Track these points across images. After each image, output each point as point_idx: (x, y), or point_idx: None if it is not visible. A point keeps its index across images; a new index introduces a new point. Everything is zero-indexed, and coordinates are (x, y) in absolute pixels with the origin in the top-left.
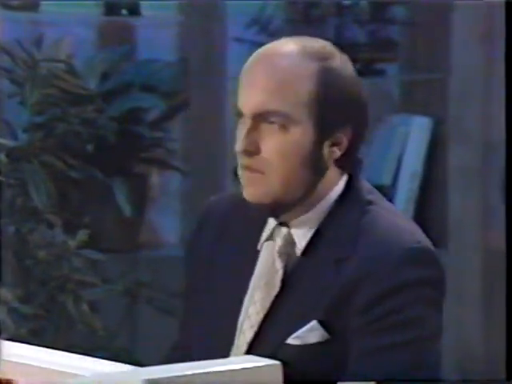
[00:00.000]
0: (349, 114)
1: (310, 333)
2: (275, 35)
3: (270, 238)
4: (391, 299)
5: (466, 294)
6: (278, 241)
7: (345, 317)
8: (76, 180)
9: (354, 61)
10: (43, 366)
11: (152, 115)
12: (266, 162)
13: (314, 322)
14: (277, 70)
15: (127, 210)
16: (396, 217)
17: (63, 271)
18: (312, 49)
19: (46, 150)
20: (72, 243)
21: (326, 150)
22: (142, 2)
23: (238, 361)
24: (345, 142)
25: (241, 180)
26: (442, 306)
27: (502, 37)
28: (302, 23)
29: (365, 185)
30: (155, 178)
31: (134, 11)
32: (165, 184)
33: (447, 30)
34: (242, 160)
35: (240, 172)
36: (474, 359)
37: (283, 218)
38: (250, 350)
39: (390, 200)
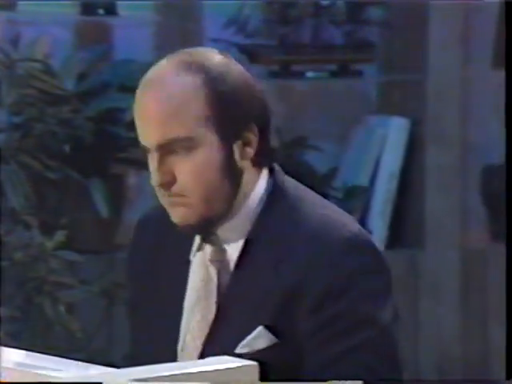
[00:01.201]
0: (247, 112)
1: (257, 339)
2: (252, 36)
3: (200, 247)
4: (339, 295)
5: (444, 294)
6: (208, 248)
7: (292, 319)
8: (53, 181)
9: (330, 61)
10: (26, 369)
11: (129, 115)
12: (183, 186)
13: (260, 328)
14: (164, 97)
15: (104, 210)
16: (326, 209)
17: (40, 273)
18: (190, 64)
19: (23, 151)
20: (49, 244)
21: (237, 153)
22: (118, 2)
23: (213, 361)
24: (254, 139)
25: (165, 204)
26: (391, 294)
27: (478, 38)
28: (279, 24)
29: (288, 180)
30: (132, 178)
31: (111, 11)
32: (142, 184)
33: (424, 31)
34: (160, 191)
35: (161, 200)
36: (452, 359)
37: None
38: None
39: (368, 201)
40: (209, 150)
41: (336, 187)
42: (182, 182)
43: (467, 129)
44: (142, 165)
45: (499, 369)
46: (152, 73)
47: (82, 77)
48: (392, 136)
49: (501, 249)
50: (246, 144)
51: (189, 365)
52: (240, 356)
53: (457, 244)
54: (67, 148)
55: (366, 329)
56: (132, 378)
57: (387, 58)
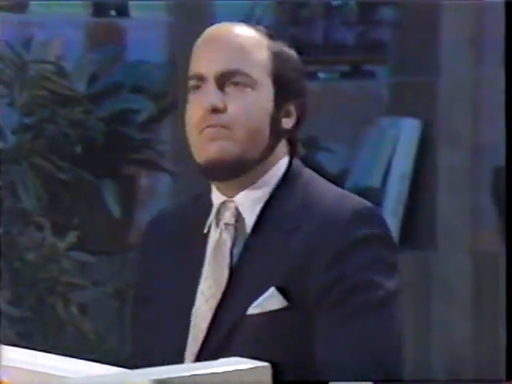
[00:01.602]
0: (297, 85)
1: (269, 300)
2: None
3: (217, 217)
4: (346, 258)
5: (455, 296)
6: (226, 214)
7: (302, 283)
8: (65, 182)
9: (342, 62)
10: (39, 369)
11: (141, 117)
12: (232, 118)
13: (272, 289)
14: (237, 38)
15: (116, 211)
16: (341, 190)
17: (52, 273)
18: (263, 30)
19: (35, 152)
20: (61, 245)
21: (281, 118)
22: (130, 3)
23: (225, 362)
24: (294, 114)
25: (199, 140)
26: (398, 270)
27: (490, 38)
28: (290, 25)
29: (303, 166)
30: (144, 179)
31: (123, 12)
32: (154, 185)
33: (436, 32)
34: (205, 122)
35: (199, 136)
36: (463, 361)
37: (229, 189)
38: (210, 325)
39: (379, 202)
40: (263, 95)
41: (348, 188)
42: (232, 113)
43: (479, 130)
44: (154, 166)
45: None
46: (225, 23)
47: (93, 78)
48: (404, 137)
49: None
50: (288, 115)
51: (199, 366)
52: (252, 317)
53: (468, 246)
54: (79, 149)
55: (372, 291)
56: (149, 378)
57: (399, 58)
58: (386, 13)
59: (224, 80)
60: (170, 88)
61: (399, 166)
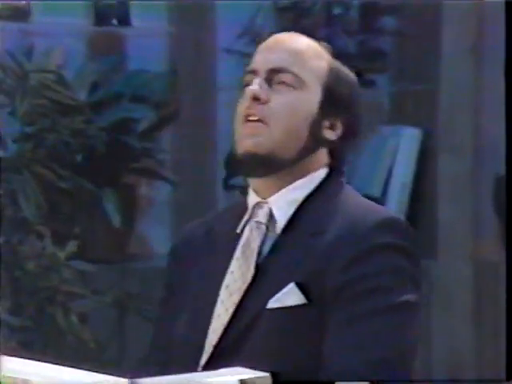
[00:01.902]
0: (348, 107)
1: (288, 295)
2: None
3: (250, 217)
4: (367, 261)
5: (456, 305)
6: (258, 213)
7: (321, 282)
8: (66, 190)
9: None
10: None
11: (142, 126)
12: (273, 112)
13: (292, 285)
14: (299, 42)
15: (117, 220)
16: (372, 202)
17: (52, 282)
18: (325, 45)
19: (36, 161)
20: (61, 254)
21: (324, 128)
22: (131, 12)
23: (226, 372)
24: (339, 129)
25: (240, 134)
26: (419, 283)
27: (490, 47)
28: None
29: (344, 181)
30: (145, 188)
31: (125, 21)
32: (154, 194)
33: (436, 41)
34: (248, 109)
35: (240, 126)
36: (464, 368)
37: (264, 190)
38: (232, 319)
39: None
40: (308, 97)
41: None
42: (273, 106)
43: (479, 138)
44: (154, 175)
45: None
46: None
47: (94, 87)
48: (404, 146)
49: None
50: (332, 128)
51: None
52: (271, 311)
53: (469, 255)
54: (80, 158)
55: (384, 295)
56: None
57: (400, 67)
58: (387, 21)
59: (273, 75)
60: (171, 97)
61: (400, 174)
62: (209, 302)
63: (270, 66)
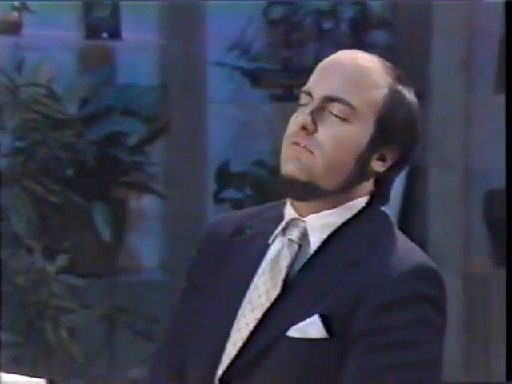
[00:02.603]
0: (402, 137)
1: (310, 326)
2: (256, 59)
3: (284, 230)
4: (392, 312)
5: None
6: (293, 231)
7: (346, 320)
8: (56, 205)
9: None
10: None
11: (132, 139)
12: (319, 144)
13: (315, 317)
14: (359, 68)
15: (106, 234)
16: (406, 238)
17: (42, 297)
18: (392, 68)
19: (26, 175)
20: (51, 268)
21: (373, 160)
22: (122, 26)
23: None
24: (389, 161)
25: (285, 155)
26: (443, 334)
27: (481, 62)
28: (282, 47)
29: (384, 212)
30: (135, 202)
31: (115, 35)
32: (144, 208)
33: (427, 56)
34: (294, 137)
35: (285, 149)
36: (455, 378)
37: (303, 208)
38: (251, 334)
39: None
40: (360, 132)
41: None
42: (320, 139)
43: (470, 154)
44: (145, 188)
45: None
46: (356, 51)
47: (85, 101)
48: None
49: (503, 273)
50: (382, 159)
51: None
52: (290, 338)
53: (459, 269)
54: (70, 172)
55: (411, 351)
56: None
57: None
58: (378, 36)
59: (327, 103)
60: (162, 111)
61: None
62: (231, 311)
63: (325, 93)
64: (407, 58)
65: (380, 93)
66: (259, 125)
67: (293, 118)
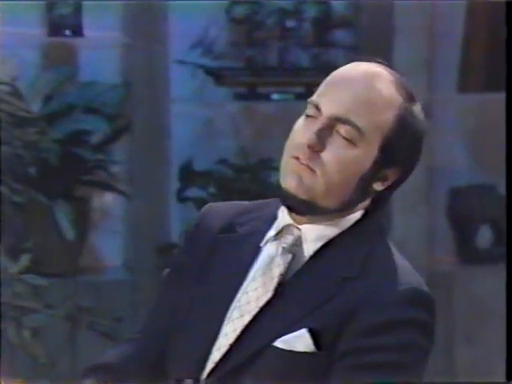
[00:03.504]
0: (406, 157)
1: (297, 339)
2: (219, 57)
3: (278, 235)
4: (382, 334)
5: None
6: (288, 238)
7: (335, 337)
8: (18, 204)
9: (297, 84)
10: None
11: (95, 138)
12: (322, 164)
13: (304, 330)
14: (371, 87)
15: (69, 233)
16: (401, 255)
17: (5, 298)
18: (404, 86)
19: None
20: (14, 268)
21: (374, 181)
22: (84, 23)
23: None
24: (389, 180)
25: (285, 167)
26: (428, 358)
27: (443, 62)
28: (245, 46)
29: (380, 223)
30: (98, 200)
31: (78, 32)
32: (107, 207)
33: (389, 56)
34: (297, 152)
35: (288, 160)
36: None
37: (299, 216)
38: (238, 340)
39: None
40: (365, 155)
41: None
42: (324, 160)
43: (433, 152)
44: (108, 187)
45: None
46: (361, 65)
47: (48, 99)
48: None
49: (467, 271)
50: (383, 179)
51: None
52: (276, 349)
53: (423, 266)
54: (33, 171)
55: (398, 373)
56: None
57: None
58: (341, 35)
59: (335, 123)
60: (124, 109)
61: None
62: (218, 315)
63: (335, 112)
64: (369, 57)
65: (390, 115)
66: (223, 123)
67: (297, 126)
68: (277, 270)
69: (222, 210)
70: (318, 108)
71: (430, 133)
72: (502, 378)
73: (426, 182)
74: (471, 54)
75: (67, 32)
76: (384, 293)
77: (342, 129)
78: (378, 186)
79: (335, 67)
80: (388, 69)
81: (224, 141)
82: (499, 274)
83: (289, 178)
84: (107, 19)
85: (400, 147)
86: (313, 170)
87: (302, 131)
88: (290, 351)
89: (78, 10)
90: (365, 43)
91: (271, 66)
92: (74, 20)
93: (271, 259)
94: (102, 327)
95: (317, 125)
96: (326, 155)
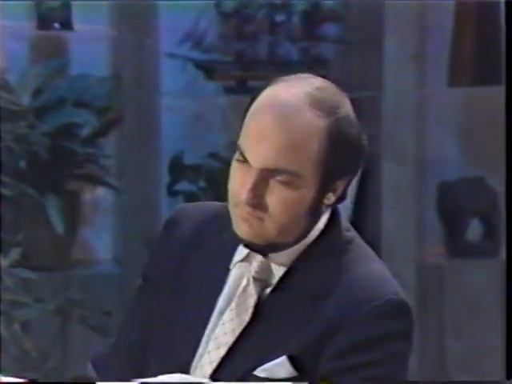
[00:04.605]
0: (351, 164)
1: (278, 367)
2: (208, 51)
3: (245, 259)
4: (363, 351)
5: None
6: (255, 265)
7: (315, 357)
8: (8, 197)
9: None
10: None
11: (85, 131)
12: (267, 212)
13: (283, 358)
14: (288, 127)
15: (60, 227)
16: (373, 261)
17: None
18: (322, 102)
19: None
20: (4, 262)
21: (325, 199)
22: (74, 16)
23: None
24: (341, 188)
25: (233, 215)
26: (408, 359)
27: (433, 56)
28: (235, 39)
29: (343, 221)
30: (88, 194)
31: (67, 25)
32: (98, 201)
33: (379, 49)
34: (241, 205)
35: (234, 209)
36: (409, 372)
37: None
38: (215, 372)
39: None
40: (307, 191)
41: None
42: (269, 206)
43: (423, 145)
44: (98, 181)
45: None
46: (277, 96)
47: (37, 92)
48: None
49: (456, 263)
50: (333, 191)
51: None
52: (258, 378)
53: (413, 260)
54: (23, 164)
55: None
56: None
57: (343, 74)
58: (330, 29)
59: (268, 175)
60: (114, 102)
61: None
62: (192, 341)
63: (263, 166)
64: (359, 51)
65: (316, 144)
66: (212, 117)
67: (233, 169)
68: (251, 300)
69: (193, 215)
70: (244, 157)
71: (420, 127)
72: (492, 371)
73: (415, 175)
74: (461, 48)
75: (56, 25)
76: (359, 309)
77: (277, 177)
78: (330, 200)
79: (324, 60)
80: (307, 85)
81: (214, 134)
82: (489, 266)
83: (241, 227)
84: (97, 12)
85: (339, 162)
86: (261, 219)
87: (238, 180)
88: (272, 379)
89: (67, 2)
90: (354, 37)
91: (261, 60)
92: (63, 13)
93: (243, 289)
94: (93, 321)
95: (250, 178)
96: (269, 202)
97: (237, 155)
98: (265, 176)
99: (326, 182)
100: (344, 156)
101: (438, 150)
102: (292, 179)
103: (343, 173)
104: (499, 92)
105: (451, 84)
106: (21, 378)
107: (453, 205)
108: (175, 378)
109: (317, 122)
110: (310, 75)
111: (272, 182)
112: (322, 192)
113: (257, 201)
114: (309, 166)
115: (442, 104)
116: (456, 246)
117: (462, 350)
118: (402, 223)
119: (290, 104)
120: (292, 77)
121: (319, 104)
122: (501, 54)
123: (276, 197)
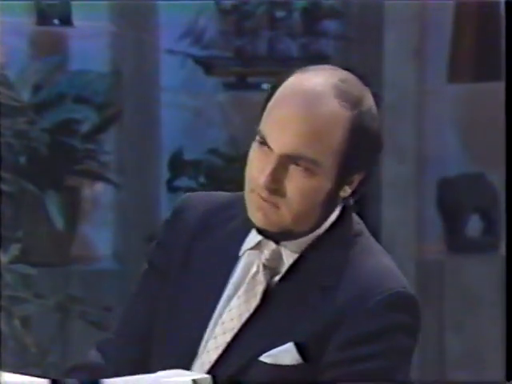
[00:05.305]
0: (369, 159)
1: (284, 354)
2: (208, 47)
3: (256, 247)
4: (370, 343)
5: None
6: (266, 253)
7: (321, 346)
8: (8, 193)
9: (286, 74)
10: None
11: (84, 127)
12: (285, 197)
13: (290, 344)
14: (312, 115)
15: (59, 223)
16: (381, 254)
17: None
18: (347, 93)
19: None
20: (4, 258)
21: (340, 191)
22: (73, 12)
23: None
24: (356, 182)
25: (248, 202)
26: (412, 353)
27: (433, 52)
28: (234, 35)
29: (353, 214)
30: (88, 190)
31: (66, 21)
32: (98, 196)
33: (379, 45)
34: (257, 189)
35: (250, 195)
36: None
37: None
38: (220, 358)
39: None
40: (324, 180)
41: None
42: (287, 192)
43: (423, 142)
44: (98, 176)
45: (455, 377)
46: (302, 84)
47: (37, 87)
48: None
49: (456, 260)
50: (349, 183)
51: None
52: (262, 363)
53: (413, 255)
54: (23, 160)
55: (386, 378)
56: None
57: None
58: (330, 25)
59: (288, 161)
60: (114, 98)
61: None
62: (199, 328)
63: (284, 151)
64: (359, 47)
65: (339, 134)
66: (212, 113)
67: (252, 154)
68: (259, 287)
69: (200, 203)
70: (267, 143)
71: (420, 123)
72: (492, 367)
73: (415, 171)
74: (461, 44)
75: (56, 21)
76: (367, 299)
77: (297, 163)
78: (345, 193)
79: (324, 56)
80: (332, 76)
81: (214, 130)
82: (489, 262)
83: (256, 214)
84: (95, 8)
85: (359, 155)
86: (276, 206)
87: (257, 165)
88: (277, 365)
89: None
90: (354, 33)
91: (261, 56)
92: (62, 9)
93: (253, 276)
94: (93, 317)
95: (270, 163)
96: (287, 188)
97: (257, 141)
98: (285, 162)
99: (343, 174)
100: (364, 150)
101: (437, 147)
102: (311, 167)
103: (361, 167)
104: (499, 88)
105: (451, 80)
106: (21, 373)
107: (453, 201)
108: (173, 374)
109: (341, 112)
110: (334, 67)
111: (291, 169)
112: (339, 183)
113: (275, 186)
114: (329, 155)
115: (442, 100)
116: (456, 242)
117: (462, 345)
118: (401, 220)
119: (315, 93)
120: (317, 67)
121: (344, 95)
122: (500, 50)
123: (294, 184)
